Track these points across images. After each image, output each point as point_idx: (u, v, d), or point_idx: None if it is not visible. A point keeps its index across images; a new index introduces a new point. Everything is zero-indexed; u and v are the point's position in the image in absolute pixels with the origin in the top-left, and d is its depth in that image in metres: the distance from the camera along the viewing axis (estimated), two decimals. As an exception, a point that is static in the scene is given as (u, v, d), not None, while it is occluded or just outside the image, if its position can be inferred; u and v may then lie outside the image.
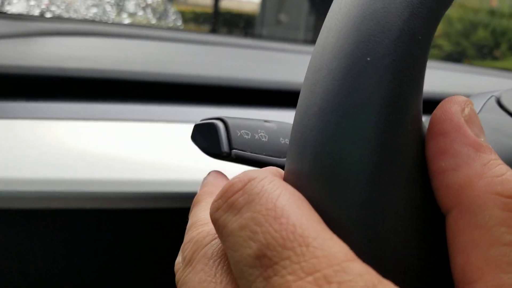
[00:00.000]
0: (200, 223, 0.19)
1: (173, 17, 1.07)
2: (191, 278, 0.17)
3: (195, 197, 0.23)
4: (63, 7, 0.95)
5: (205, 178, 0.25)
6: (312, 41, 1.29)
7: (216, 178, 0.24)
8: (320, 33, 0.19)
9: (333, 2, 0.19)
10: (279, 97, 0.53)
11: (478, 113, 0.24)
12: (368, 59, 0.16)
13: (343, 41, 0.17)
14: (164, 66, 0.57)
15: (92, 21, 0.91)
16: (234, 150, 0.23)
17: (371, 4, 0.16)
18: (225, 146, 0.23)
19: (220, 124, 0.24)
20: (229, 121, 0.25)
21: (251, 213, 0.15)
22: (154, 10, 1.01)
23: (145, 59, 0.59)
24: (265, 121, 0.27)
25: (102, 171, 0.38)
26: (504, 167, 0.15)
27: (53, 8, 0.89)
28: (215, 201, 0.17)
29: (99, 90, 0.49)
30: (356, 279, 0.13)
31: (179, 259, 0.19)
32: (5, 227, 0.37)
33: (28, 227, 0.37)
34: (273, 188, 0.15)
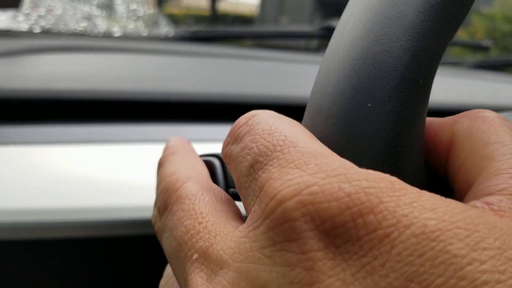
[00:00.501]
0: (168, 176, 0.20)
1: (165, 29, 1.05)
2: (171, 219, 0.18)
3: (159, 159, 0.23)
4: (52, 21, 0.93)
5: (166, 144, 0.25)
6: (314, 49, 1.27)
7: (176, 141, 0.25)
8: (319, 70, 0.18)
9: (332, 37, 0.18)
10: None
11: None
12: (369, 105, 0.15)
13: (343, 84, 0.16)
14: (155, 83, 0.56)
15: (82, 35, 0.89)
16: (231, 189, 0.21)
17: (371, 46, 0.16)
18: (222, 185, 0.22)
19: (216, 162, 0.23)
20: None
21: (250, 136, 0.16)
22: (145, 22, 1.00)
23: (136, 76, 0.58)
24: None
25: (94, 198, 0.36)
26: None
27: (42, 22, 0.87)
28: (225, 140, 0.18)
29: (85, 111, 0.48)
30: (335, 161, 0.14)
31: (154, 212, 0.20)
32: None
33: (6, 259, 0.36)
34: (271, 117, 0.17)
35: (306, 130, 0.17)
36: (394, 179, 0.13)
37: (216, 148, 0.46)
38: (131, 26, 0.98)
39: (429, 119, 0.18)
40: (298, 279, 0.12)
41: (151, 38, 0.91)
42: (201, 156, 0.25)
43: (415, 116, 0.16)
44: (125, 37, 0.91)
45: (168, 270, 0.23)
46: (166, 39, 0.90)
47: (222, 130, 0.50)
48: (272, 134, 0.16)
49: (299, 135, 0.16)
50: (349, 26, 0.17)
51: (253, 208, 0.15)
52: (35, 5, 0.92)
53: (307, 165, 0.14)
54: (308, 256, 0.13)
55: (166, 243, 0.18)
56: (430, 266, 0.11)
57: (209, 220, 0.17)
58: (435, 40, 0.16)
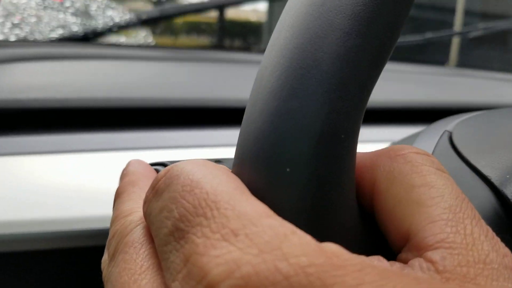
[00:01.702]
0: (123, 215, 0.18)
1: (143, 34, 1.05)
2: (113, 271, 0.16)
3: (117, 189, 0.21)
4: (27, 29, 0.92)
5: (124, 169, 0.23)
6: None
7: (136, 167, 0.22)
8: (239, 132, 0.16)
9: (253, 86, 0.16)
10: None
11: None
12: (288, 169, 0.14)
13: (262, 142, 0.15)
14: (131, 89, 0.56)
15: (58, 43, 0.88)
16: None
17: (287, 100, 0.14)
18: None
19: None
20: None
21: (169, 193, 0.15)
22: (122, 28, 0.99)
23: (112, 83, 0.57)
24: (216, 161, 0.25)
25: (73, 208, 0.36)
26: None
27: (16, 31, 0.86)
28: (146, 194, 0.17)
29: (60, 121, 0.47)
30: (266, 230, 0.12)
31: (105, 256, 0.18)
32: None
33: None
34: (192, 167, 0.15)
35: (231, 180, 0.15)
36: (332, 250, 0.12)
37: (194, 154, 0.45)
38: (108, 33, 0.97)
39: None
40: None
41: (128, 45, 0.90)
42: (151, 164, 0.24)
43: (339, 174, 0.14)
44: (102, 44, 0.90)
45: None
46: (143, 45, 0.89)
47: (202, 135, 0.49)
48: (192, 191, 0.14)
49: (223, 190, 0.14)
50: (266, 75, 0.16)
51: (173, 284, 0.13)
52: (8, 13, 0.91)
53: (236, 236, 0.12)
54: None
55: None
56: None
57: (144, 278, 0.15)
58: (355, 87, 0.15)
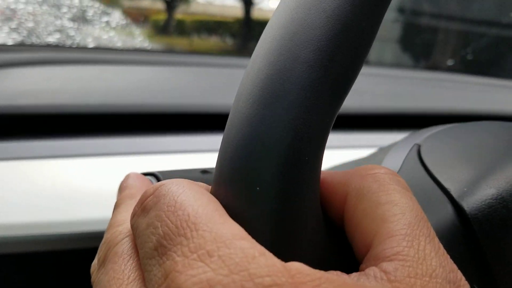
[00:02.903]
0: (116, 224, 0.20)
1: (139, 39, 1.06)
2: (102, 279, 0.17)
3: (116, 201, 0.23)
4: (25, 33, 0.93)
5: (123, 182, 0.24)
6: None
7: (135, 181, 0.24)
8: (218, 154, 0.18)
9: (228, 118, 0.18)
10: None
11: (398, 172, 0.25)
12: (258, 188, 0.15)
13: (236, 162, 0.16)
14: (127, 95, 0.57)
15: (55, 47, 0.89)
16: None
17: (257, 126, 0.16)
18: None
19: (154, 181, 0.24)
20: (162, 177, 0.24)
21: (155, 211, 0.16)
22: (119, 33, 1.00)
23: (108, 88, 0.58)
24: (202, 171, 0.26)
25: (69, 211, 0.37)
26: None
27: (14, 35, 0.87)
28: (133, 209, 0.18)
29: (57, 126, 0.48)
30: (237, 251, 0.14)
31: (95, 261, 0.20)
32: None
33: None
34: (178, 188, 0.17)
35: (211, 202, 0.16)
36: (295, 268, 0.13)
37: (188, 159, 0.46)
38: (105, 37, 0.98)
39: (325, 174, 0.19)
40: None
41: (125, 49, 0.91)
42: (144, 174, 0.25)
43: (304, 193, 0.16)
44: (99, 48, 0.91)
45: None
46: (140, 49, 0.90)
47: (196, 140, 0.50)
48: (175, 212, 0.16)
49: (203, 213, 0.15)
50: (241, 101, 0.17)
51: None
52: (6, 18, 0.91)
53: (211, 257, 0.14)
54: None
55: None
56: None
57: None
58: (319, 115, 0.16)
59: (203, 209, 0.15)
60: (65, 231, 0.36)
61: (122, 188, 0.24)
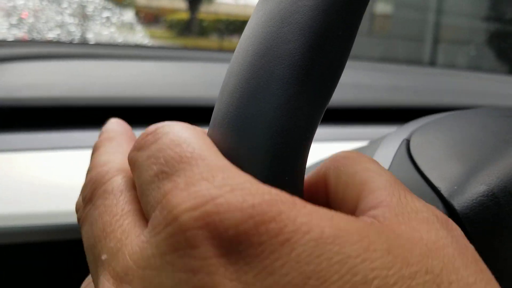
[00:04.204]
0: (100, 165, 0.20)
1: (140, 34, 1.06)
2: (92, 213, 0.17)
3: (94, 143, 0.22)
4: (25, 29, 0.93)
5: (104, 126, 0.24)
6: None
7: (115, 125, 0.24)
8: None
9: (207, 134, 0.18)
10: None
11: (389, 169, 0.24)
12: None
13: None
14: (126, 88, 0.57)
15: (56, 43, 0.89)
16: None
17: (234, 149, 0.16)
18: None
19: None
20: None
21: (156, 145, 0.16)
22: (119, 28, 1.00)
23: (106, 81, 0.59)
24: None
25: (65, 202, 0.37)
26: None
27: (14, 31, 0.87)
28: (132, 146, 0.18)
29: (55, 119, 0.48)
30: (240, 175, 0.14)
31: (79, 199, 0.20)
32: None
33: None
34: (180, 129, 0.17)
35: (213, 145, 0.16)
36: (295, 197, 0.14)
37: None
38: (105, 33, 0.98)
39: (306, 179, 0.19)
40: (200, 284, 0.13)
41: (126, 45, 0.91)
42: None
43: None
44: (99, 44, 0.91)
45: None
46: (140, 45, 0.90)
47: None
48: (180, 145, 0.16)
49: (207, 149, 0.15)
50: (217, 121, 0.17)
51: (153, 214, 0.15)
52: (6, 14, 0.92)
53: (214, 178, 0.14)
54: (210, 262, 0.13)
55: (85, 237, 0.18)
56: (327, 265, 0.13)
57: (126, 219, 0.16)
58: (298, 131, 0.16)
59: (207, 147, 0.16)
60: (62, 222, 0.36)
61: (102, 132, 0.23)
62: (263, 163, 0.15)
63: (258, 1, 0.18)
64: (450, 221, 0.16)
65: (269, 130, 0.15)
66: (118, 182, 0.18)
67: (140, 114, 0.53)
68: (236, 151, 0.16)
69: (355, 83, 0.72)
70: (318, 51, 0.16)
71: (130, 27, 1.12)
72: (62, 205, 0.37)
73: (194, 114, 0.54)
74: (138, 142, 0.17)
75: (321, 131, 0.53)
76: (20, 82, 0.54)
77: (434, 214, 0.16)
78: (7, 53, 0.64)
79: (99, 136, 0.23)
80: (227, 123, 0.16)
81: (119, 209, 0.17)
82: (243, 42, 0.17)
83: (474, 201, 0.21)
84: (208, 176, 0.14)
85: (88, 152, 0.43)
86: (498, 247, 0.21)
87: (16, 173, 0.39)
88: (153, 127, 0.17)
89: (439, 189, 0.22)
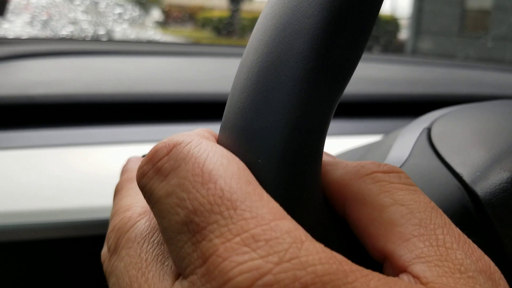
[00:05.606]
0: (122, 210, 0.19)
1: (151, 31, 1.06)
2: (118, 266, 0.17)
3: (116, 185, 0.22)
4: (39, 27, 0.94)
5: (124, 165, 0.24)
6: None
7: (136, 164, 0.23)
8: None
9: (224, 111, 0.17)
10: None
11: (408, 158, 0.24)
12: (259, 176, 0.15)
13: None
14: (138, 84, 0.57)
15: (69, 40, 0.90)
16: None
17: (253, 121, 0.15)
18: None
19: None
20: None
21: (178, 179, 0.15)
22: (132, 25, 1.00)
23: (119, 78, 0.58)
24: None
25: (85, 198, 0.37)
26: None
27: (28, 28, 0.88)
28: (140, 167, 0.16)
29: (68, 115, 0.49)
30: (284, 236, 0.13)
31: (104, 249, 0.19)
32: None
33: None
34: (200, 152, 0.15)
35: (241, 169, 0.15)
36: (340, 258, 0.13)
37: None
38: (118, 29, 0.98)
39: (324, 169, 0.18)
40: None
41: (138, 41, 0.91)
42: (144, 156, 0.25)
43: (304, 188, 0.15)
44: (112, 40, 0.91)
45: None
46: (153, 41, 0.90)
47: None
48: (205, 184, 0.14)
49: (237, 188, 0.14)
50: (235, 96, 0.17)
51: (192, 277, 0.13)
52: (20, 11, 0.92)
53: (257, 242, 0.13)
54: None
55: None
56: None
57: (151, 271, 0.16)
58: (316, 107, 0.15)
59: (236, 183, 0.14)
60: (77, 218, 0.36)
61: (122, 173, 0.23)
62: (283, 135, 0.15)
63: None
64: (497, 274, 0.15)
65: (289, 103, 0.15)
66: (140, 228, 0.17)
67: (155, 110, 0.53)
68: (256, 124, 0.15)
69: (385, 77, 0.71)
70: (339, 26, 0.15)
71: (161, 26, 1.12)
72: (76, 201, 0.37)
73: (210, 110, 0.54)
74: (149, 164, 0.16)
75: (334, 125, 0.52)
76: (33, 79, 0.54)
77: (479, 271, 0.14)
78: (21, 51, 0.65)
79: (120, 176, 0.23)
80: (245, 97, 0.16)
81: (142, 260, 0.16)
82: (263, 19, 0.17)
83: (497, 187, 0.20)
84: (249, 239, 0.13)
85: (102, 149, 0.43)
86: None
87: (30, 170, 0.39)
88: (165, 147, 0.16)
89: (461, 175, 0.21)
